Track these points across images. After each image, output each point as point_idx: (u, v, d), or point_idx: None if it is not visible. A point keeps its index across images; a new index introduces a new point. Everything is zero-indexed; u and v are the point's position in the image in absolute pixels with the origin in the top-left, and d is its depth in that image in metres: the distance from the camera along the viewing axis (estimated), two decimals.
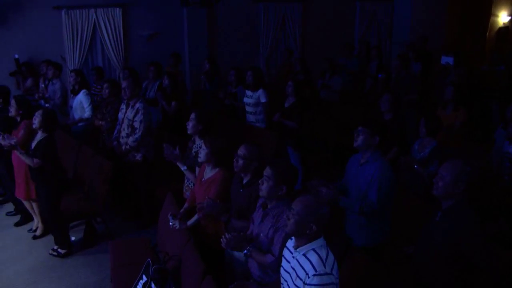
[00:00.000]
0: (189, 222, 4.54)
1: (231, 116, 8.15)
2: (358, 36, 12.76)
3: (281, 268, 3.18)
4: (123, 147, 6.25)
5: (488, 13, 13.36)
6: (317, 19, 12.12)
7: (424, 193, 5.12)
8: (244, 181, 4.15)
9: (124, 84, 6.25)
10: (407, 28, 11.80)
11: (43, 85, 8.33)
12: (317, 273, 2.84)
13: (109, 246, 5.27)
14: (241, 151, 4.07)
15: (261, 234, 3.60)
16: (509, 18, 13.58)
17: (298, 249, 2.98)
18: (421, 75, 9.51)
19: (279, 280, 3.22)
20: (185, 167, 4.99)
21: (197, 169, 4.93)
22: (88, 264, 5.77)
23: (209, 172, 4.49)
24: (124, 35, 9.88)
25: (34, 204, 6.26)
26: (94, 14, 9.53)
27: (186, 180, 5.24)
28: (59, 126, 6.66)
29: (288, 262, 3.09)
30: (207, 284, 3.59)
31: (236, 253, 3.90)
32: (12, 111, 6.12)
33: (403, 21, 11.91)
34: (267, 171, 3.56)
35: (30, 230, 6.51)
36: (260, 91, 7.35)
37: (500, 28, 13.58)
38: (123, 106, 6.40)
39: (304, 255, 2.94)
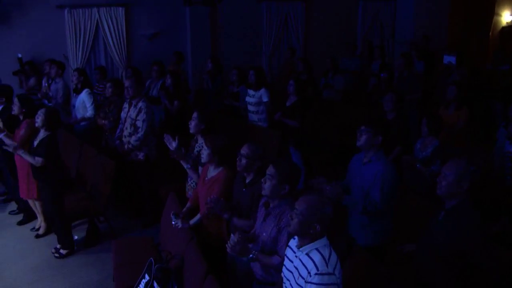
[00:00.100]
0: (192, 221, 4.54)
1: (233, 116, 8.15)
2: (361, 36, 12.73)
3: (284, 267, 3.18)
4: (126, 146, 6.26)
5: (492, 13, 13.32)
6: (320, 18, 12.10)
7: (426, 193, 5.12)
8: (247, 181, 4.15)
9: (127, 83, 6.26)
10: (409, 27, 11.78)
11: (46, 84, 8.34)
12: (319, 272, 2.84)
13: (112, 245, 5.29)
14: (244, 150, 4.07)
15: (264, 234, 3.60)
16: None
17: (301, 249, 2.98)
18: (424, 75, 9.50)
19: (282, 280, 3.22)
20: (189, 166, 5.00)
21: (200, 168, 4.93)
22: (90, 263, 5.78)
23: (212, 171, 4.49)
24: (126, 34, 9.88)
25: (37, 203, 6.28)
26: (97, 13, 9.54)
27: (188, 179, 5.24)
28: (62, 125, 6.67)
29: (291, 261, 3.08)
30: (210, 283, 3.60)
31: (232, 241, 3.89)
32: (15, 109, 6.13)
33: (406, 20, 11.89)
34: (270, 170, 3.56)
35: (33, 229, 6.52)
36: (262, 90, 7.36)
37: (504, 28, 13.55)
38: (126, 105, 6.41)
39: (307, 254, 2.94)
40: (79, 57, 9.53)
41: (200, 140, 5.11)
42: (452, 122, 6.39)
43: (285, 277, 3.14)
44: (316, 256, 2.90)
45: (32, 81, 8.54)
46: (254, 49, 11.40)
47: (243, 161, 4.06)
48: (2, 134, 6.10)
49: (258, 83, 7.38)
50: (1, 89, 6.77)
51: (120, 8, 9.72)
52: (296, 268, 2.99)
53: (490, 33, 13.39)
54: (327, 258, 2.89)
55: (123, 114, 6.44)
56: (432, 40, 11.03)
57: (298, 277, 2.95)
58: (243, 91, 7.93)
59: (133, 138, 6.16)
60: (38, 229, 6.45)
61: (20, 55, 8.80)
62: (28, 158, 5.59)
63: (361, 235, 4.26)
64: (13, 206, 7.14)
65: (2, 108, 6.57)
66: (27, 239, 6.34)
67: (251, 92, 7.48)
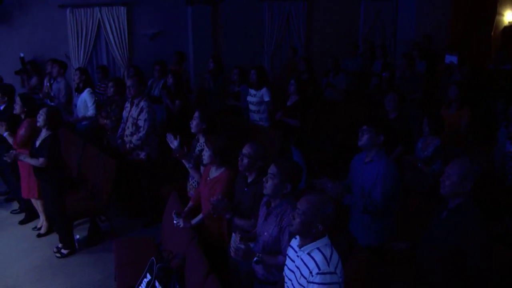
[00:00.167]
0: (194, 221, 4.54)
1: (234, 115, 8.15)
2: (363, 35, 12.73)
3: (285, 267, 3.17)
4: (127, 146, 6.26)
5: (494, 12, 13.30)
6: (322, 18, 12.10)
7: (427, 192, 5.12)
8: (249, 180, 4.15)
9: (128, 82, 6.27)
10: (411, 27, 11.78)
11: (47, 84, 8.34)
12: (320, 271, 2.84)
13: (114, 244, 5.29)
14: (245, 150, 4.07)
15: (265, 233, 3.59)
16: None
17: (302, 248, 2.98)
18: (425, 74, 9.49)
19: (283, 279, 3.22)
20: (190, 165, 4.99)
21: (201, 167, 4.93)
22: (92, 262, 5.79)
23: (214, 172, 4.48)
24: (128, 34, 9.87)
25: (38, 202, 6.29)
26: (99, 13, 9.54)
27: (190, 179, 5.24)
28: (63, 124, 6.67)
29: (293, 261, 3.08)
30: (211, 282, 3.60)
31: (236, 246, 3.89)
32: (17, 108, 6.14)
33: (408, 20, 11.89)
34: (272, 169, 3.55)
35: (34, 228, 6.53)
36: (264, 90, 7.36)
37: (506, 27, 13.52)
38: (128, 105, 6.41)
39: (308, 254, 2.93)
40: (81, 57, 9.53)
41: (202, 140, 5.12)
42: (454, 121, 6.38)
43: (287, 276, 3.14)
44: (318, 256, 2.90)
45: (34, 81, 8.55)
46: (256, 48, 11.40)
47: (245, 160, 4.06)
48: (6, 133, 6.13)
49: (260, 83, 7.38)
50: (3, 88, 6.77)
51: (122, 8, 9.71)
52: (298, 268, 2.99)
53: (492, 33, 13.37)
54: (328, 257, 2.89)
55: (124, 114, 6.44)
56: (434, 40, 11.01)
57: (300, 277, 2.95)
58: (244, 91, 7.93)
59: (135, 137, 6.17)
60: (39, 229, 6.46)
61: (22, 55, 8.80)
62: (31, 161, 5.63)
63: (363, 235, 4.26)
64: (15, 205, 7.15)
65: (4, 108, 6.58)
66: (28, 238, 6.35)
67: (252, 91, 7.48)
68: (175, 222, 4.51)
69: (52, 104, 7.88)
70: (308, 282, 2.87)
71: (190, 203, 4.85)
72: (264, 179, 3.59)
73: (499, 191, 5.46)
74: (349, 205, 4.23)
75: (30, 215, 6.71)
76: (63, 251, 5.91)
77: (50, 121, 5.56)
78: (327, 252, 2.91)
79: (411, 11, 11.82)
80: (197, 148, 5.15)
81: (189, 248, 4.23)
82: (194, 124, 5.13)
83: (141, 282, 4.27)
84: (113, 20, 9.67)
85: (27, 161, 5.69)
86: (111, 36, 9.72)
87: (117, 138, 6.51)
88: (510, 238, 4.78)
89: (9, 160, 5.76)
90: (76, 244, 6.03)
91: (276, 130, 7.08)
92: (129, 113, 6.32)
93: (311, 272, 2.87)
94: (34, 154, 5.62)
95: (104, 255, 5.87)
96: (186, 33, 10.61)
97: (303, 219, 2.92)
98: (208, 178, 4.51)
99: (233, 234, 3.75)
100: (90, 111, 7.64)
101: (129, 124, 6.28)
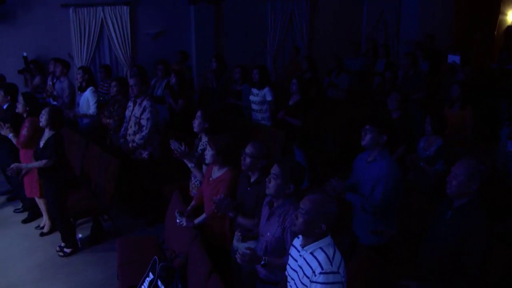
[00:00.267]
0: (197, 221, 4.53)
1: (237, 114, 8.15)
2: (365, 35, 12.72)
3: (288, 267, 3.17)
4: (130, 145, 6.27)
5: (497, 11, 13.28)
6: (325, 17, 12.10)
7: (430, 192, 5.11)
8: (252, 180, 4.14)
9: (131, 81, 6.27)
10: (414, 26, 11.77)
11: (50, 83, 8.35)
12: (323, 271, 2.84)
13: (116, 243, 5.30)
14: (248, 149, 4.06)
15: (268, 233, 3.59)
16: None
17: (305, 248, 2.98)
18: (428, 74, 9.47)
19: (286, 279, 3.22)
20: (193, 164, 4.99)
21: (204, 167, 4.94)
22: (95, 261, 5.80)
23: (217, 172, 4.47)
24: (131, 33, 9.89)
25: (41, 201, 6.29)
26: (102, 12, 9.55)
27: (192, 178, 5.24)
28: (66, 123, 6.68)
29: (295, 260, 3.08)
30: (214, 282, 3.60)
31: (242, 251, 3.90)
32: (20, 107, 6.15)
33: (411, 19, 11.88)
34: (275, 169, 3.54)
35: (37, 227, 6.54)
36: (266, 89, 7.35)
37: (509, 27, 13.49)
38: (131, 104, 6.42)
39: (311, 253, 2.93)
40: (84, 56, 9.54)
41: (204, 139, 5.12)
42: (456, 121, 6.37)
43: (290, 276, 3.14)
44: (321, 255, 2.90)
45: (37, 80, 8.56)
46: (259, 48, 11.40)
47: (248, 160, 4.05)
48: (10, 135, 6.14)
49: (262, 82, 7.37)
50: (6, 87, 6.78)
51: (125, 7, 9.72)
52: (301, 267, 2.98)
53: (495, 32, 13.35)
54: (331, 257, 2.89)
55: (127, 113, 6.45)
56: (437, 39, 10.99)
57: (303, 276, 2.94)
58: (245, 90, 7.92)
59: (138, 136, 6.17)
60: (42, 227, 6.47)
61: (25, 54, 8.82)
62: (35, 165, 5.68)
63: (366, 234, 4.25)
64: (18, 204, 7.16)
65: (7, 107, 6.59)
66: (31, 237, 6.36)
67: (255, 91, 7.47)
68: (178, 221, 4.50)
69: (55, 103, 7.90)
70: (311, 281, 2.87)
71: (193, 202, 4.85)
72: (267, 179, 3.58)
73: (501, 190, 5.45)
74: (349, 200, 4.23)
75: (33, 214, 6.72)
76: (65, 250, 5.91)
77: (53, 121, 5.57)
78: (330, 252, 2.91)
79: (414, 10, 11.81)
80: (200, 148, 5.15)
81: (191, 248, 4.23)
82: (196, 123, 5.13)
83: (143, 281, 4.28)
84: (116, 20, 9.68)
85: (31, 166, 5.77)
86: (114, 36, 9.73)
87: (119, 138, 6.51)
88: (510, 238, 4.77)
89: (14, 175, 5.87)
90: (79, 243, 6.04)
91: (278, 130, 7.09)
92: (132, 113, 6.33)
93: (314, 272, 2.86)
94: (38, 155, 5.63)
95: (106, 254, 5.87)
96: (189, 32, 10.62)
97: (307, 219, 2.91)
98: (211, 178, 4.50)
99: (236, 234, 3.75)
100: (91, 110, 7.64)
101: (131, 123, 6.29)
